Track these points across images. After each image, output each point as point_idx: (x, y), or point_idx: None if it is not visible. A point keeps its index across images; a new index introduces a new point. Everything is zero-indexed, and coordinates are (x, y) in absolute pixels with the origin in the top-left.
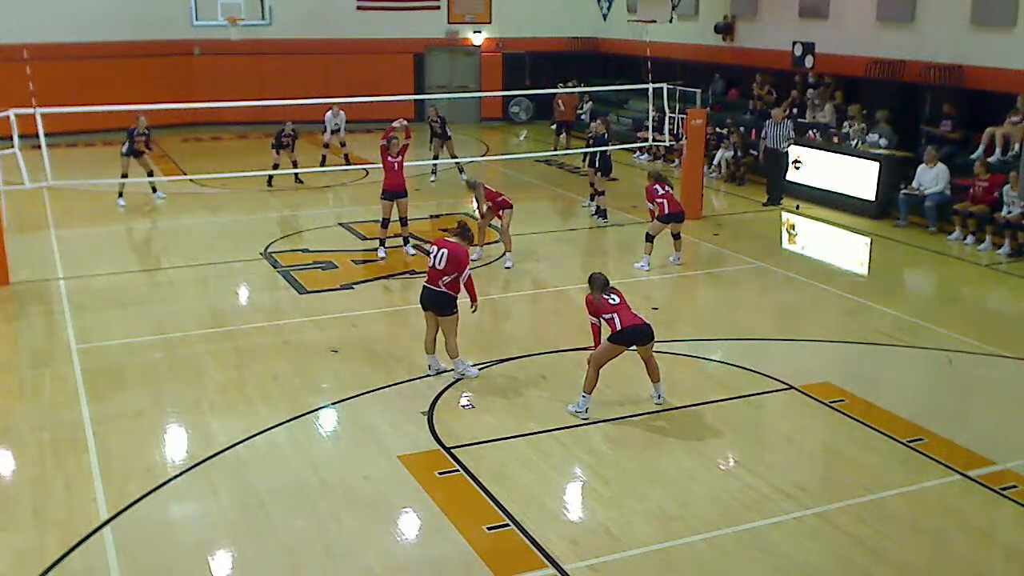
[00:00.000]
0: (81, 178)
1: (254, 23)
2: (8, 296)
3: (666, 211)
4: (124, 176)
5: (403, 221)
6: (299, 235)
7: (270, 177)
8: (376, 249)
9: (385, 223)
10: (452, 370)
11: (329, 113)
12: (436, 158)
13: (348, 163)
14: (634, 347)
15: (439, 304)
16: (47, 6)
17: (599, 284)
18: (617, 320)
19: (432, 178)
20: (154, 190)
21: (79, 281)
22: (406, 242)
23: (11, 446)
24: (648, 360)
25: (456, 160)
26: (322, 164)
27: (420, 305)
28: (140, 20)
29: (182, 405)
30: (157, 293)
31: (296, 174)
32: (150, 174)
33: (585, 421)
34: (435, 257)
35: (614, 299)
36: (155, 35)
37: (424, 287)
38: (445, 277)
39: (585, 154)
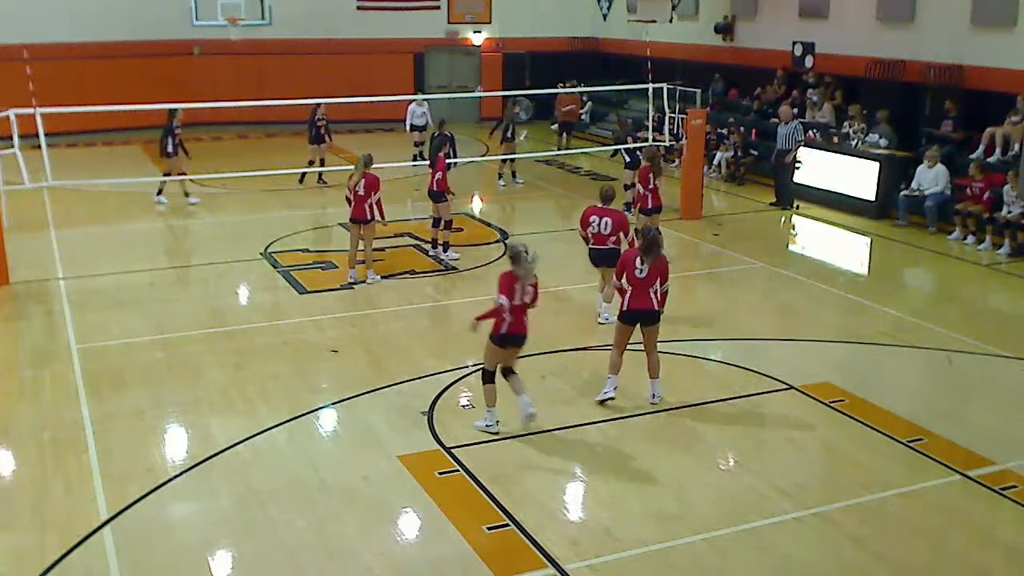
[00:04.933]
0: (81, 178)
1: (254, 23)
2: (8, 296)
3: (649, 205)
4: (167, 174)
5: (447, 223)
6: (299, 235)
7: (318, 175)
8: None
9: (436, 223)
10: None
11: (413, 105)
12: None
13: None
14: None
15: (610, 258)
16: (47, 6)
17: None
18: (627, 299)
19: (502, 183)
20: (187, 194)
21: (79, 281)
22: (434, 245)
23: (11, 446)
24: (650, 352)
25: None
26: (417, 158)
27: (592, 263)
28: (140, 20)
29: (182, 405)
30: (157, 293)
31: (320, 173)
32: (180, 175)
33: (585, 422)
34: (599, 224)
35: (641, 271)
36: (155, 35)
37: (592, 249)
38: (612, 238)
39: (616, 151)
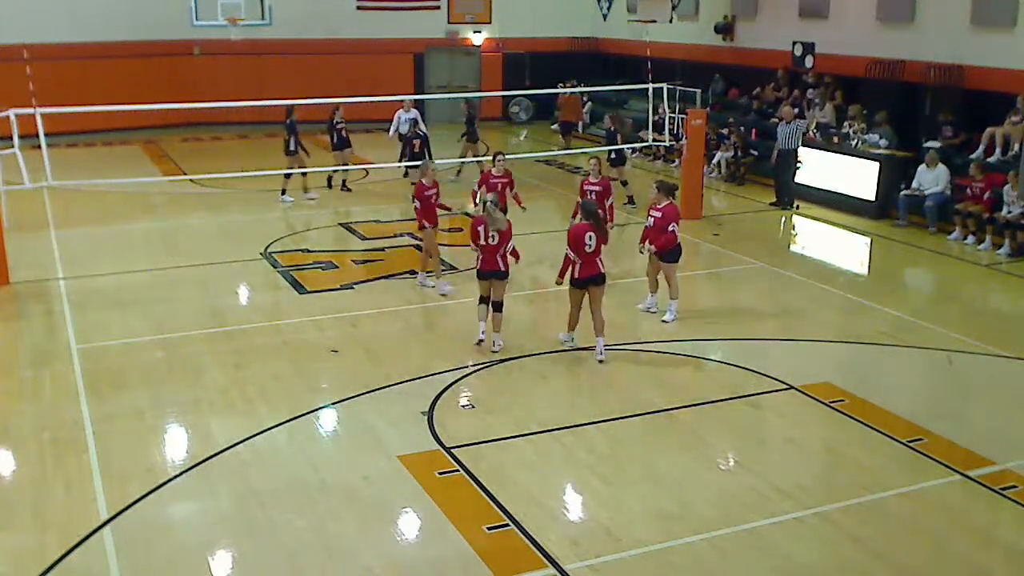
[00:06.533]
0: (81, 178)
1: (254, 23)
2: (8, 296)
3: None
4: (289, 172)
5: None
6: (299, 235)
7: (343, 180)
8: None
9: None
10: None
11: (400, 111)
12: (463, 157)
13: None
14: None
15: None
16: (47, 6)
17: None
18: (577, 268)
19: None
20: (305, 190)
21: (79, 281)
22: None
23: (11, 446)
24: (595, 305)
25: (466, 160)
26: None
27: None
28: (140, 20)
29: (182, 405)
30: (157, 293)
31: (344, 180)
32: (300, 168)
33: (585, 422)
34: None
35: (590, 246)
36: (155, 35)
37: (584, 277)
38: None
39: (619, 150)
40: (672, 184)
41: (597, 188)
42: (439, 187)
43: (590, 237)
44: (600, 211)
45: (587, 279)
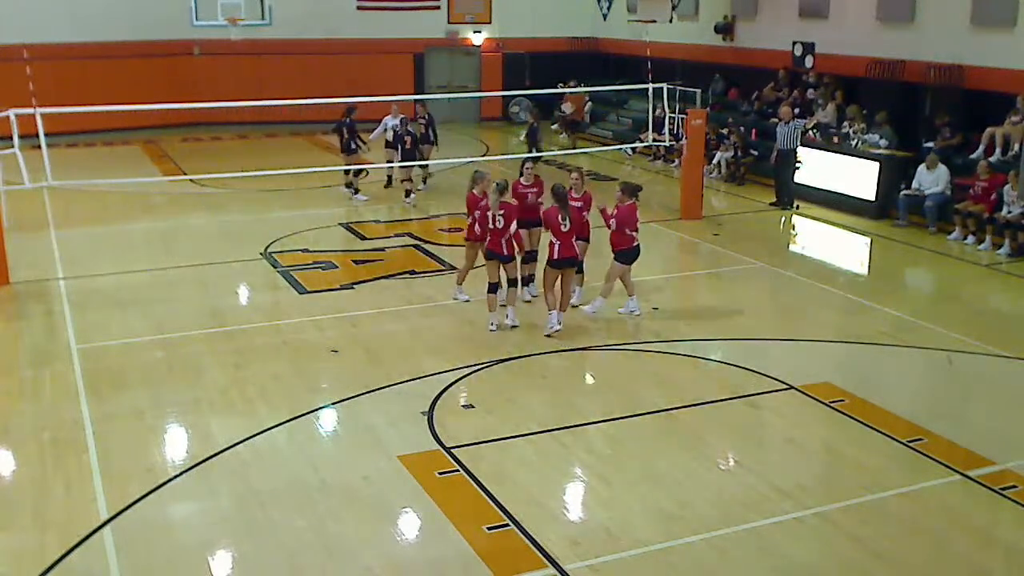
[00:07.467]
0: (81, 178)
1: (254, 23)
2: (8, 296)
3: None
4: (361, 172)
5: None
6: (299, 235)
7: (347, 183)
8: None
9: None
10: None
11: (388, 116)
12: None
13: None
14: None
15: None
16: (47, 6)
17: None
18: (556, 249)
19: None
20: (356, 191)
21: (79, 281)
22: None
23: (11, 446)
24: (565, 286)
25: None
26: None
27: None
28: (140, 20)
29: (182, 405)
30: (157, 293)
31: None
32: (358, 172)
33: (585, 422)
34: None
35: (564, 225)
36: (155, 35)
37: (562, 258)
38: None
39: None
40: (635, 185)
41: (578, 204)
42: (488, 199)
43: (562, 217)
44: (569, 200)
45: (564, 260)
